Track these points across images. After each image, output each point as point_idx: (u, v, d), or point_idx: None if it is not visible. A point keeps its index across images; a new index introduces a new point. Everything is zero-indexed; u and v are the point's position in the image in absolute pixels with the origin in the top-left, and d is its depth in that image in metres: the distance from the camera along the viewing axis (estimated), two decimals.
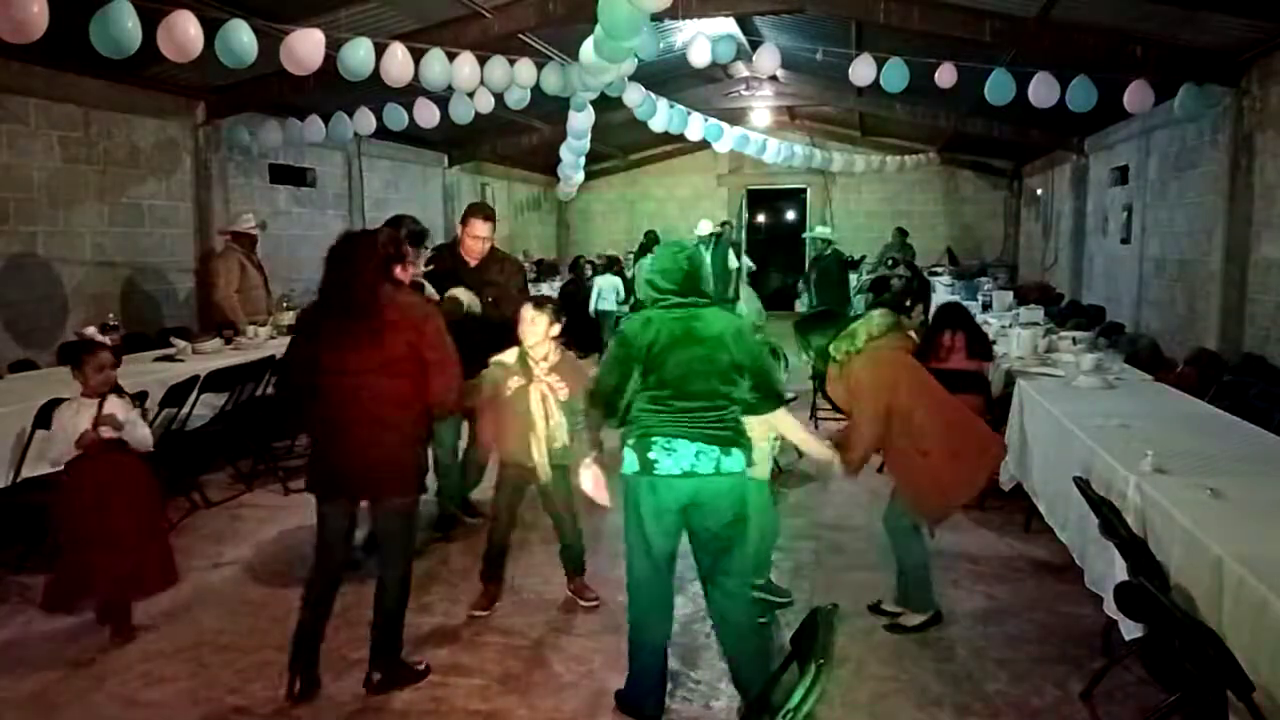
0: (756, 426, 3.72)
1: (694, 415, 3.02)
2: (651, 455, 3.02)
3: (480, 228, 4.96)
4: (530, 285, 6.04)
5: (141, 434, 3.92)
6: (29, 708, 3.31)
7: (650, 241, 11.93)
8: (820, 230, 11.41)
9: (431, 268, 4.99)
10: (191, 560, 4.73)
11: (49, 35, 4.08)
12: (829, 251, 10.74)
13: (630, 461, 3.08)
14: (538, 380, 3.85)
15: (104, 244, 7.18)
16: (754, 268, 13.37)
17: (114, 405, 3.84)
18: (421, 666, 3.53)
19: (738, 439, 3.10)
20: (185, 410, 5.30)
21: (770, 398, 3.20)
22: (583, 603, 4.11)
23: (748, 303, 12.44)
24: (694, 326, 3.04)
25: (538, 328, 3.85)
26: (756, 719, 2.41)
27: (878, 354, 3.76)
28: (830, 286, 10.57)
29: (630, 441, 3.09)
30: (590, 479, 3.41)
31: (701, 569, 3.20)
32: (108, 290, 7.21)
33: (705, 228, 11.95)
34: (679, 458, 3.00)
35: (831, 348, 3.80)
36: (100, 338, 4.05)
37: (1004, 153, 14.37)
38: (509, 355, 3.94)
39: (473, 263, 5.00)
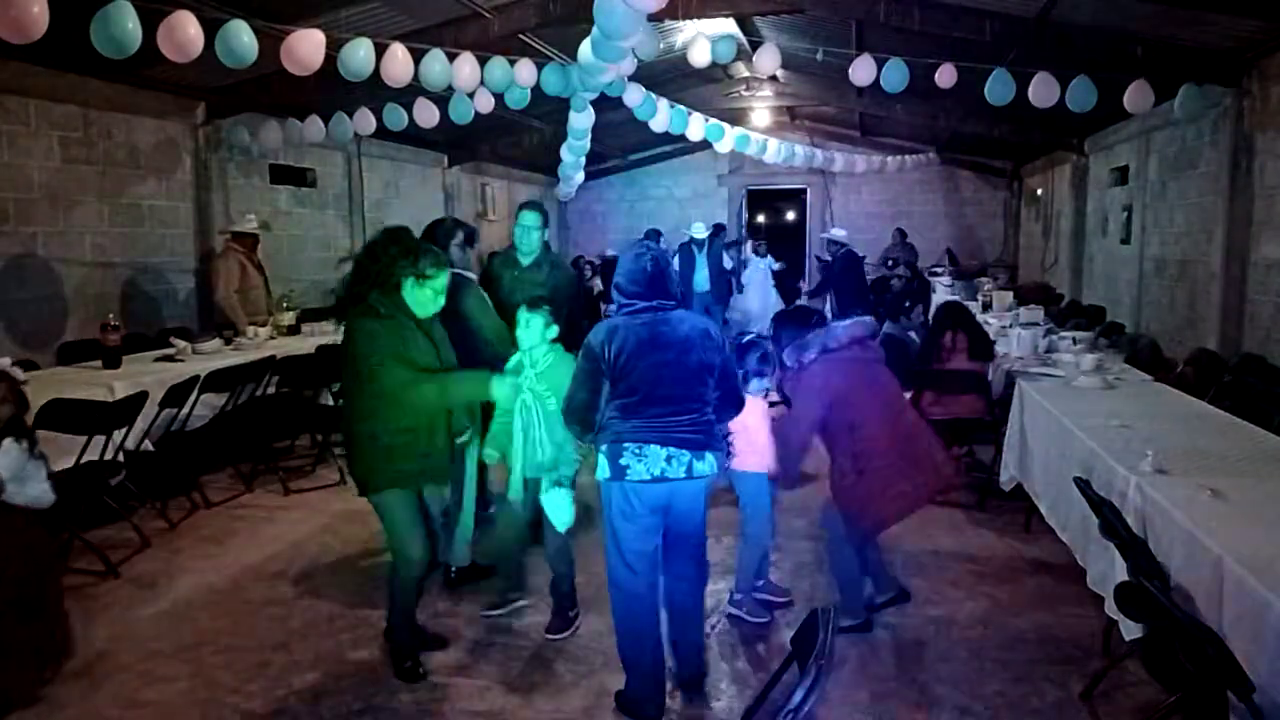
0: (751, 418, 3.72)
1: (665, 420, 3.04)
2: (623, 461, 3.04)
3: (525, 217, 5.02)
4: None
5: (35, 493, 3.30)
6: (29, 708, 3.30)
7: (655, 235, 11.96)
8: (835, 233, 11.38)
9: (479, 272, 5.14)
10: (191, 560, 4.74)
11: (49, 35, 4.08)
12: (840, 253, 10.76)
13: (603, 467, 3.10)
14: (531, 390, 3.61)
15: (104, 244, 7.18)
16: (778, 266, 13.13)
17: (5, 455, 3.26)
18: (421, 670, 3.52)
19: (710, 442, 3.12)
20: (185, 410, 5.30)
21: (731, 404, 3.25)
22: (550, 636, 3.83)
23: (763, 301, 12.37)
24: (661, 331, 3.05)
25: (533, 331, 3.67)
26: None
27: (836, 362, 3.71)
28: (838, 283, 10.57)
29: (602, 448, 3.11)
30: (552, 500, 3.48)
31: (664, 562, 3.28)
32: (108, 290, 7.20)
33: (700, 230, 11.91)
34: (650, 463, 3.02)
35: (785, 354, 3.80)
36: (9, 369, 3.45)
37: (1004, 153, 14.36)
38: (512, 360, 3.74)
39: (525, 261, 5.04)
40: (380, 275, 3.35)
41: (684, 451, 3.04)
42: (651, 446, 3.03)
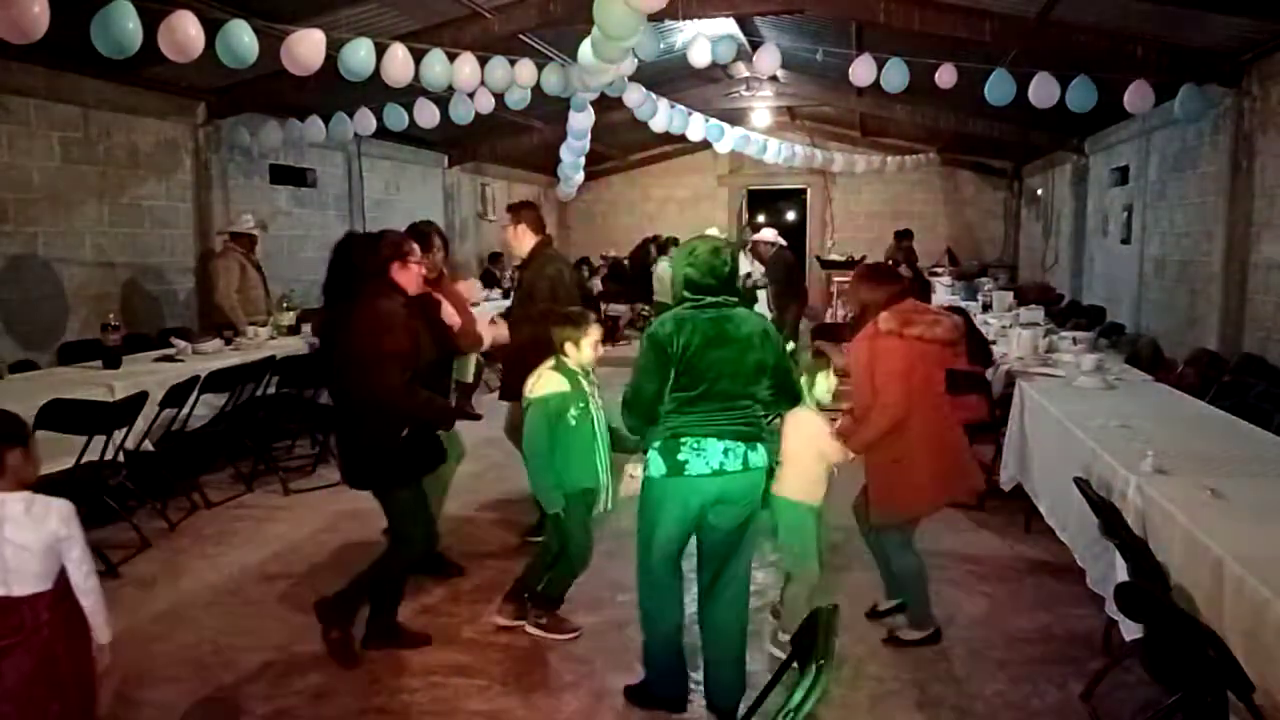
0: (802, 444, 3.60)
1: (722, 414, 3.04)
2: (681, 456, 3.01)
3: (503, 217, 5.15)
4: None
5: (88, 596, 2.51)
6: None
7: (669, 243, 11.77)
8: (765, 234, 11.26)
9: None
10: (191, 560, 4.74)
11: (49, 35, 4.08)
12: (772, 253, 10.60)
13: (657, 464, 3.06)
14: (595, 403, 3.70)
15: (104, 244, 7.18)
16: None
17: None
18: (418, 638, 3.71)
19: (761, 434, 3.14)
20: (185, 411, 5.30)
21: (787, 397, 3.27)
22: (560, 637, 3.81)
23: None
24: (726, 328, 3.05)
25: (594, 350, 3.72)
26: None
27: (913, 343, 3.60)
28: (778, 283, 10.45)
29: (656, 444, 3.07)
30: (634, 486, 3.41)
31: (703, 577, 3.20)
32: (108, 291, 7.20)
33: (713, 234, 11.73)
34: (709, 456, 3.01)
35: (882, 319, 3.64)
36: None
37: (1004, 153, 14.36)
38: (557, 383, 3.63)
39: (517, 259, 5.18)
40: (370, 267, 3.47)
41: (739, 444, 3.04)
42: (710, 440, 3.01)
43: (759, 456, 3.10)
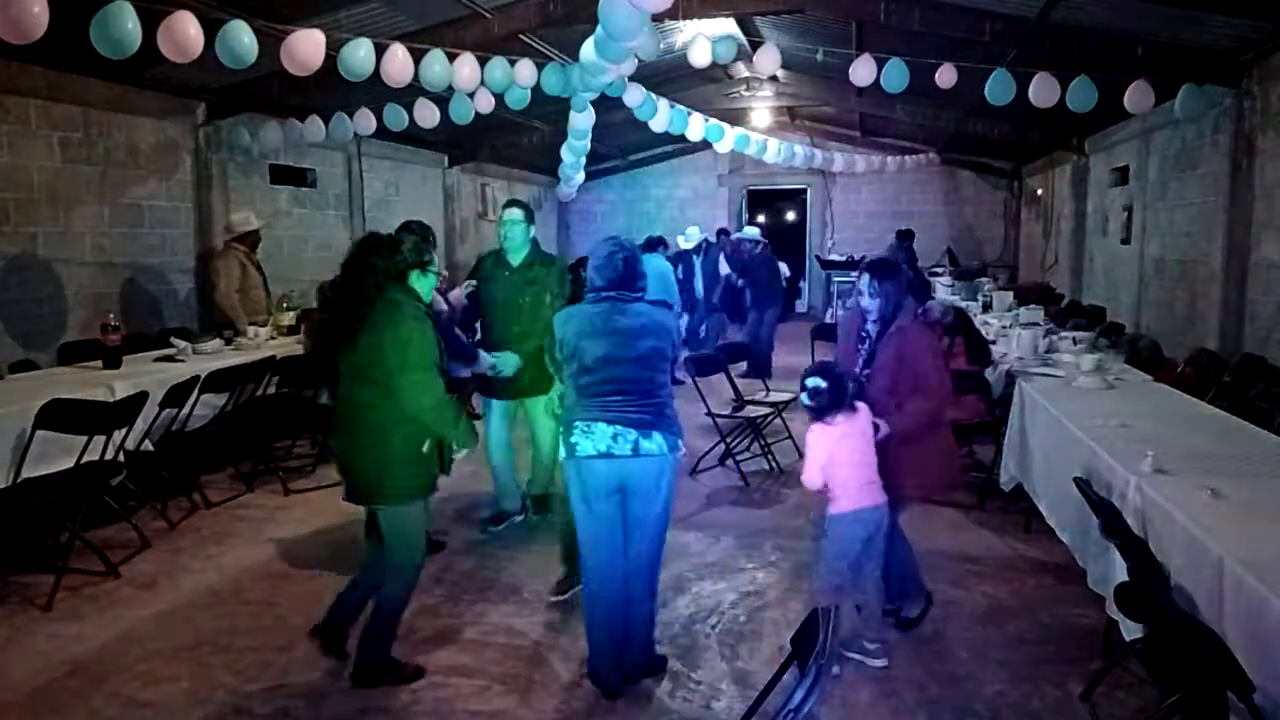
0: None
1: (613, 400, 3.22)
2: (573, 439, 3.25)
3: (508, 213, 5.01)
4: None
5: None
6: (29, 708, 3.31)
7: (658, 242, 11.71)
8: (749, 231, 11.26)
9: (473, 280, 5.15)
10: (191, 560, 4.74)
11: (49, 35, 4.07)
12: (756, 251, 10.61)
13: (562, 448, 3.33)
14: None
15: (104, 244, 7.18)
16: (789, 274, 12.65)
17: None
18: (410, 670, 3.49)
19: (658, 423, 3.26)
20: (185, 411, 5.30)
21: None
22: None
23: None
24: (615, 318, 3.28)
25: None
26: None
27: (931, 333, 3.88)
28: (754, 277, 10.45)
29: (560, 428, 3.36)
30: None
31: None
32: (108, 291, 7.20)
33: (694, 235, 11.60)
34: (595, 440, 3.21)
35: (903, 310, 3.83)
36: None
37: (1004, 153, 14.36)
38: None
39: (515, 261, 5.00)
40: (391, 270, 3.35)
41: (630, 430, 3.21)
42: (598, 424, 3.22)
43: (652, 443, 3.22)
